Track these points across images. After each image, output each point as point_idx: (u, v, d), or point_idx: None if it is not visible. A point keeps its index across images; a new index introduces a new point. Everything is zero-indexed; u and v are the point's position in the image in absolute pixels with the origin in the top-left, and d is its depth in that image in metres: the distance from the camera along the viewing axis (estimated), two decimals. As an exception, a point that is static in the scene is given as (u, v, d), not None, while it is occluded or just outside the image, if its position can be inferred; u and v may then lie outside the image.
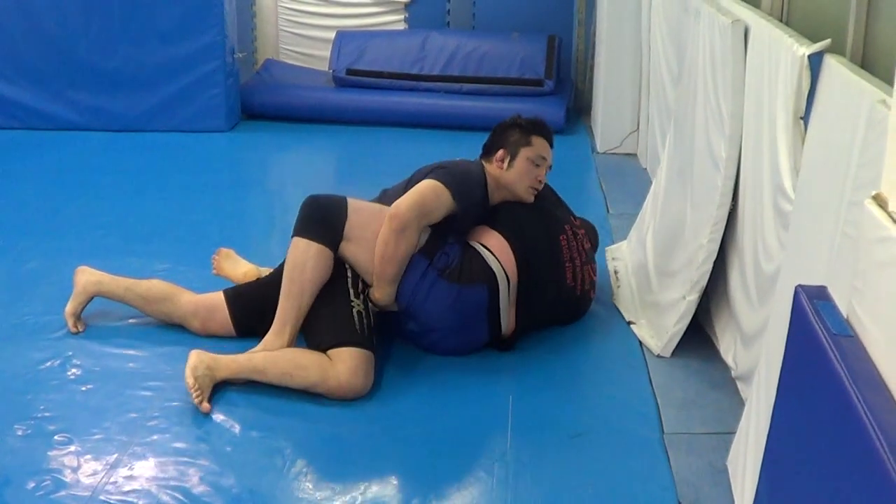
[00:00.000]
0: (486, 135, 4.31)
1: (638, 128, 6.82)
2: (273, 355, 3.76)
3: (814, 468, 1.75)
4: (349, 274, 3.94)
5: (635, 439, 3.48)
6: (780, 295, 2.99)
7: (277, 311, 3.89)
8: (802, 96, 2.94)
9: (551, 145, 4.26)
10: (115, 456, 3.33)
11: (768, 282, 3.29)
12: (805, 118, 2.97)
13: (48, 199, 5.95)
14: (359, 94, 7.69)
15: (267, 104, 7.74)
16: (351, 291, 3.89)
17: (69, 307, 4.22)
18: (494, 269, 3.97)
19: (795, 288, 1.99)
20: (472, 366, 3.97)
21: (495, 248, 4.01)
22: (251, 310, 4.10)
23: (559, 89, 7.75)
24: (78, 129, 7.30)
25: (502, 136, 4.23)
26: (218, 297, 4.15)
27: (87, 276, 4.25)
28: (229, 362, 3.72)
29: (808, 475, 1.79)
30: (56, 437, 3.43)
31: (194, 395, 3.58)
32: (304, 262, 3.86)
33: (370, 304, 3.93)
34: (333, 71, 7.87)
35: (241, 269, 4.45)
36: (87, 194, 6.05)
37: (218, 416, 3.58)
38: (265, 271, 4.35)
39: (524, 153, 4.15)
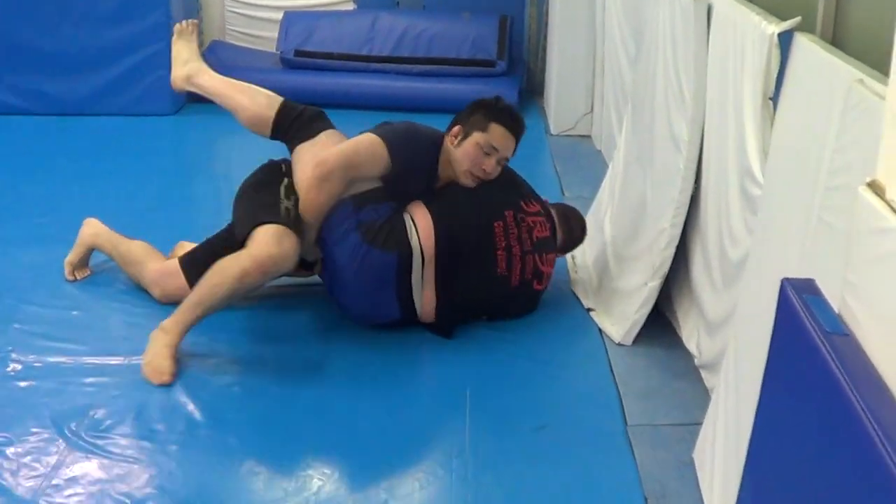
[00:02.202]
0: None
1: (592, 109, 6.73)
2: (197, 288, 3.78)
3: (807, 470, 1.66)
4: (285, 182, 3.99)
5: (598, 432, 3.39)
6: (748, 281, 2.90)
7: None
8: (772, 76, 2.83)
9: (517, 138, 4.10)
10: (57, 458, 3.18)
11: (734, 267, 3.19)
12: (774, 99, 2.87)
13: (-14, 185, 5.76)
14: (307, 76, 7.53)
15: (213, 87, 7.56)
16: (283, 192, 3.95)
17: (69, 256, 4.42)
18: (411, 243, 3.88)
19: (781, 281, 1.88)
20: (426, 359, 3.87)
21: (420, 225, 3.92)
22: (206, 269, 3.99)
23: (511, 70, 7.65)
24: (18, 114, 7.06)
25: (469, 113, 4.12)
26: (175, 264, 4.21)
27: (89, 229, 4.45)
28: (174, 324, 3.73)
29: (799, 477, 1.69)
30: (-7, 438, 3.28)
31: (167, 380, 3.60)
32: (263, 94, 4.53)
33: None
34: (281, 52, 7.72)
35: None
36: (28, 180, 5.85)
37: (163, 414, 3.44)
38: None
39: (476, 137, 4.01)
